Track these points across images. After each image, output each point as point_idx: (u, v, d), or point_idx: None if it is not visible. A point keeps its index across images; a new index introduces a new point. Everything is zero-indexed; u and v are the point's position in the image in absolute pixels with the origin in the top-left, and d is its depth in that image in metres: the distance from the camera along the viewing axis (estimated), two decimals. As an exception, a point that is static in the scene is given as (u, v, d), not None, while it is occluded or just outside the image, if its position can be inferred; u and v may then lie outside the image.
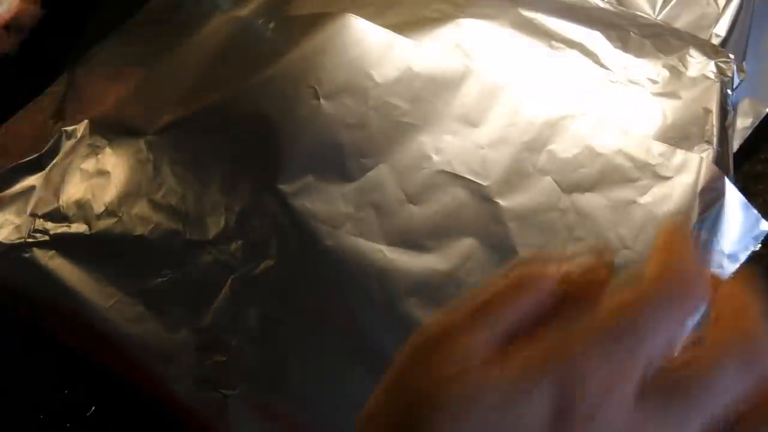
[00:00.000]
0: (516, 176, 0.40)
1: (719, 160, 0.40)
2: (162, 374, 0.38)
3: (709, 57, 0.43)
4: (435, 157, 0.40)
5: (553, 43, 0.45)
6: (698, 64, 0.43)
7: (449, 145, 0.41)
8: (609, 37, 0.45)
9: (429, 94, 0.42)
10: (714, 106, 0.41)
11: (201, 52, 0.48)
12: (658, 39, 0.44)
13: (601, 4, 0.47)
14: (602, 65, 0.44)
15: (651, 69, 0.43)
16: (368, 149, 0.41)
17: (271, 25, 0.47)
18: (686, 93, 0.42)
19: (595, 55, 0.44)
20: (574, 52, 0.44)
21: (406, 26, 0.45)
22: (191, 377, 0.38)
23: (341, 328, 0.38)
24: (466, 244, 0.38)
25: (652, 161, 0.39)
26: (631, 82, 0.43)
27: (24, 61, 0.56)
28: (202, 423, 0.37)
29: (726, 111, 0.42)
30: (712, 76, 0.42)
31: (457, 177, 0.40)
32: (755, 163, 0.48)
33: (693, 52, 0.44)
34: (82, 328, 0.41)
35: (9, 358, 0.46)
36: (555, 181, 0.39)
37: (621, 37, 0.45)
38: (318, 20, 0.46)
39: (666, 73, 0.43)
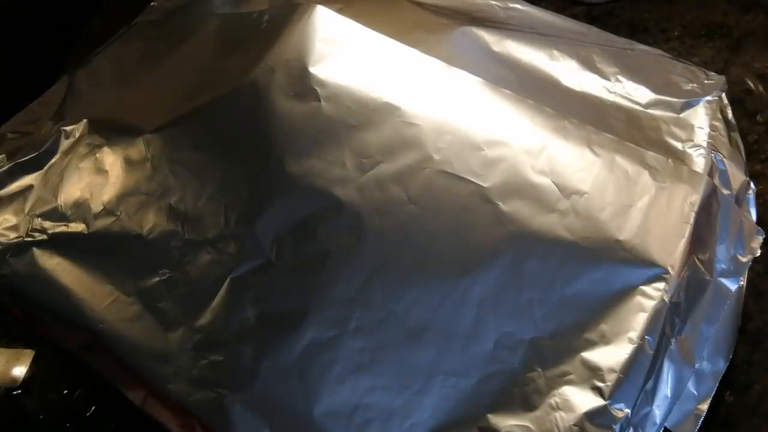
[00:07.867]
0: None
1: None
2: (158, 374, 0.38)
3: None
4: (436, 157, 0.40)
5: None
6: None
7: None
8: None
9: None
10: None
11: (199, 51, 0.48)
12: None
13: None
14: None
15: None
16: (368, 149, 0.41)
17: (266, 17, 0.47)
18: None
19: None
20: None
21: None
22: (188, 377, 0.38)
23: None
24: None
25: (657, 165, 0.39)
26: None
27: (24, 61, 0.56)
28: (198, 423, 0.37)
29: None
30: None
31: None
32: (755, 162, 0.48)
33: None
34: (78, 329, 0.41)
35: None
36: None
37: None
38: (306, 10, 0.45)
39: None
